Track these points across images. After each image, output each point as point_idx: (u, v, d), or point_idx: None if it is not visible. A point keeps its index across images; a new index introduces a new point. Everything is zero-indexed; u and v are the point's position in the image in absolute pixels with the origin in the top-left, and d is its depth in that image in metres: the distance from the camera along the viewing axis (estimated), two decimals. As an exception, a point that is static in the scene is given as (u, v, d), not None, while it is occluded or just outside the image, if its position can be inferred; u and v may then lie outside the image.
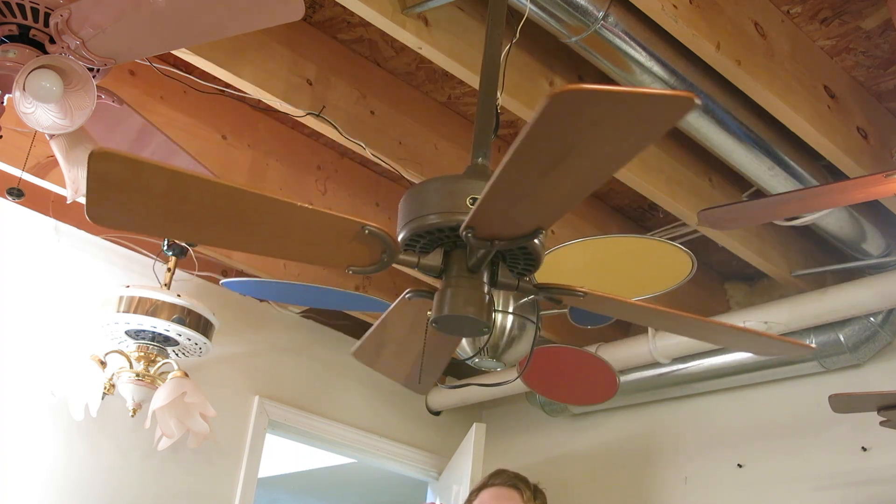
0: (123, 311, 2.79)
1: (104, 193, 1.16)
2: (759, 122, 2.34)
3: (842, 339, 2.96)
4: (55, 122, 1.71)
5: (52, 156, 2.04)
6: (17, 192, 2.11)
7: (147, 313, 2.79)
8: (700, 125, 2.28)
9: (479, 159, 1.49)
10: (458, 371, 4.28)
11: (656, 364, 3.40)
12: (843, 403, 2.50)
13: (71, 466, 2.95)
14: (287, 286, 2.72)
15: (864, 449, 2.97)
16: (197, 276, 3.35)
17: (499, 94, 1.66)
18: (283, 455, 5.02)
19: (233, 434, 3.43)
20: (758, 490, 3.22)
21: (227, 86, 2.45)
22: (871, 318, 2.92)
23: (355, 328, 3.93)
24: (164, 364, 2.90)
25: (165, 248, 2.97)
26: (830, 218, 2.62)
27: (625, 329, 3.73)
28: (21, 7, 1.66)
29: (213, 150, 2.71)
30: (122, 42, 1.68)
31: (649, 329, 3.32)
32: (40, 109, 1.68)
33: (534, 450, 4.13)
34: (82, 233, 3.15)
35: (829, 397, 2.47)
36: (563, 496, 3.35)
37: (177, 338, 2.88)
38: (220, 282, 2.65)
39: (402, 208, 1.37)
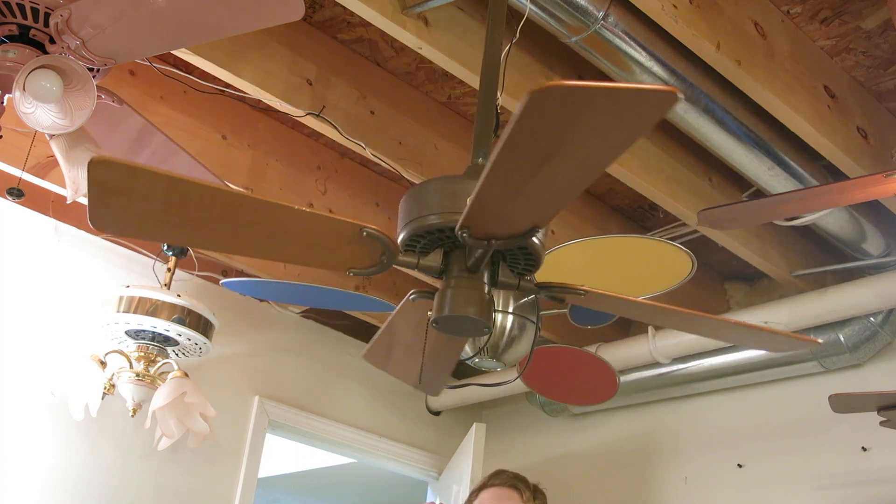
0: (123, 311, 2.79)
1: (105, 200, 1.17)
2: (759, 122, 2.34)
3: (842, 339, 2.96)
4: (55, 122, 1.70)
5: (52, 156, 2.04)
6: (17, 192, 2.11)
7: (147, 313, 2.79)
8: (700, 125, 2.27)
9: (480, 159, 1.49)
10: (459, 371, 4.28)
11: (656, 364, 3.39)
12: (843, 403, 2.50)
13: (71, 466, 2.95)
14: (287, 286, 2.72)
15: (864, 449, 2.97)
16: (197, 276, 3.35)
17: (499, 94, 1.66)
18: (283, 455, 5.02)
19: (233, 434, 3.43)
20: (758, 490, 3.22)
21: (227, 86, 2.45)
22: (871, 318, 2.92)
23: (355, 328, 3.93)
24: (164, 364, 2.90)
25: (165, 248, 2.98)
26: (830, 218, 2.62)
27: (625, 329, 3.73)
28: (21, 7, 1.66)
29: (213, 150, 2.71)
30: (122, 42, 1.68)
31: (649, 329, 3.32)
32: (40, 109, 1.68)
33: (534, 450, 4.13)
34: (82, 233, 3.15)
35: (829, 397, 2.47)
36: (563, 496, 3.35)
37: (177, 338, 2.88)
38: (220, 282, 2.65)
39: (402, 209, 1.37)
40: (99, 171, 1.11)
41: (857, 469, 2.98)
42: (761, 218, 2.52)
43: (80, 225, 3.14)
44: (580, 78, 2.46)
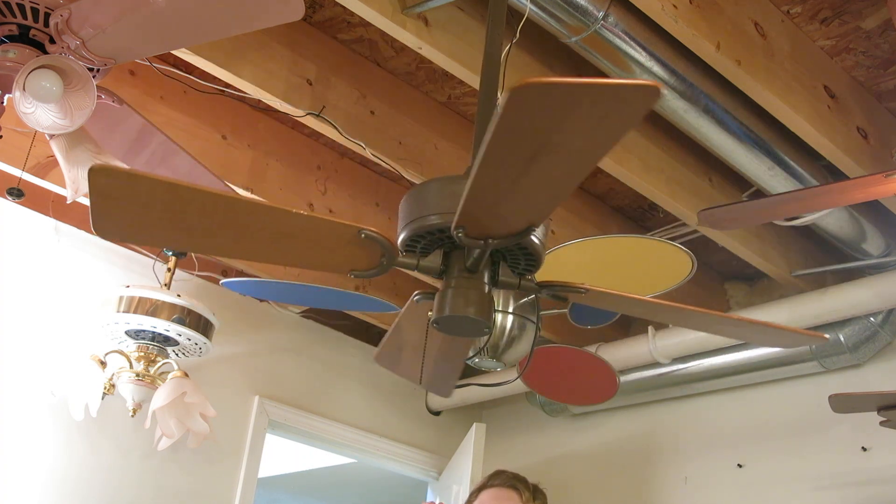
0: (123, 311, 2.79)
1: (107, 208, 1.19)
2: (759, 122, 2.34)
3: (842, 339, 2.96)
4: (55, 122, 1.70)
5: (52, 156, 2.04)
6: (17, 192, 2.11)
7: (147, 313, 2.79)
8: (700, 125, 2.27)
9: (479, 160, 1.49)
10: (459, 371, 4.28)
11: (656, 364, 3.39)
12: (843, 403, 2.50)
13: (71, 466, 2.95)
14: (287, 286, 2.72)
15: (864, 449, 2.97)
16: (197, 276, 3.35)
17: (499, 94, 1.66)
18: (283, 455, 5.02)
19: (233, 434, 3.43)
20: (758, 490, 3.22)
21: (227, 86, 2.45)
22: (871, 318, 2.92)
23: (355, 328, 3.93)
24: (164, 364, 2.90)
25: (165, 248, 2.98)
26: (830, 218, 2.62)
27: (625, 329, 3.73)
28: (21, 7, 1.66)
29: (213, 150, 2.70)
30: (122, 42, 1.68)
31: (649, 329, 3.32)
32: (40, 109, 1.68)
33: (534, 450, 4.13)
34: (82, 233, 3.15)
35: (829, 397, 2.47)
36: (563, 496, 3.35)
37: (177, 338, 2.88)
38: (220, 282, 2.65)
39: (403, 209, 1.37)
40: (99, 179, 1.13)
41: (857, 469, 2.98)
42: (761, 218, 2.52)
43: (80, 225, 3.14)
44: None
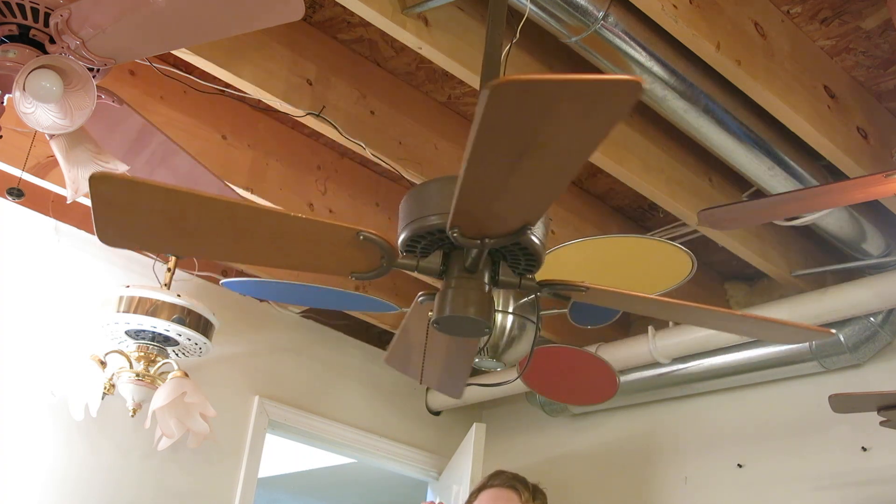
0: (123, 311, 2.79)
1: (110, 216, 1.20)
2: (759, 122, 2.34)
3: (842, 339, 2.96)
4: (55, 122, 1.70)
5: (52, 156, 2.04)
6: (17, 192, 2.11)
7: (147, 313, 2.79)
8: (700, 125, 2.27)
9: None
10: (458, 371, 4.28)
11: (656, 364, 3.40)
12: (843, 403, 2.50)
13: (71, 466, 2.95)
14: (287, 286, 2.71)
15: (864, 449, 2.97)
16: (197, 276, 3.35)
17: (499, 94, 1.66)
18: (283, 455, 5.02)
19: (233, 434, 3.43)
20: (758, 490, 3.22)
21: (227, 86, 2.45)
22: (871, 318, 2.92)
23: (355, 328, 3.94)
24: (164, 364, 2.90)
25: (165, 248, 2.98)
26: (830, 218, 2.62)
27: (625, 329, 3.74)
28: (21, 7, 1.66)
29: (213, 150, 2.70)
30: (122, 42, 1.68)
31: (649, 329, 3.32)
32: (40, 109, 1.68)
33: (534, 450, 4.13)
34: (82, 233, 3.15)
35: (829, 397, 2.47)
36: (563, 496, 3.35)
37: (177, 338, 2.88)
38: (220, 282, 2.64)
39: (402, 210, 1.37)
40: (100, 187, 1.14)
41: (857, 469, 2.98)
42: (761, 218, 2.52)
43: (80, 225, 3.14)
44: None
